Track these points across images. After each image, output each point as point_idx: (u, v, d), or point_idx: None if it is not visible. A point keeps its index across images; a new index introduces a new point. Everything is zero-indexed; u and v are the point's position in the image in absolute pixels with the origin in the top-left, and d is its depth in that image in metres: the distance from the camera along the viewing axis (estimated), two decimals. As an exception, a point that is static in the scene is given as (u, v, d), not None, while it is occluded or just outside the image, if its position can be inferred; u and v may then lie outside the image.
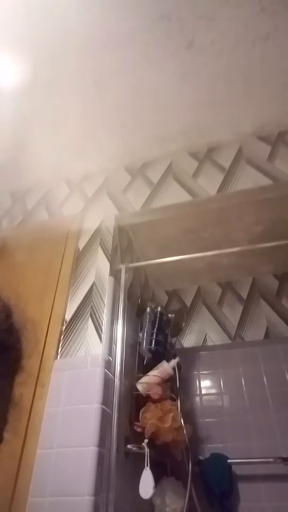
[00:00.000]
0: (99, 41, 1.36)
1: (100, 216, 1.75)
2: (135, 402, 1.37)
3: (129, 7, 1.25)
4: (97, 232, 1.68)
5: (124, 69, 1.45)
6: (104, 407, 1.11)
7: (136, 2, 1.24)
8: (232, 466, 1.45)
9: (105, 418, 1.09)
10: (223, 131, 1.75)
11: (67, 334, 1.34)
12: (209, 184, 1.67)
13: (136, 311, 1.68)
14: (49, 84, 1.51)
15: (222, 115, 1.66)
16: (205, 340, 2.00)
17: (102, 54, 1.40)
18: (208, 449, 1.55)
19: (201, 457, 1.50)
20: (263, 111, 1.65)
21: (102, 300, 1.40)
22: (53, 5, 1.24)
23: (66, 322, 1.38)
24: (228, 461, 1.45)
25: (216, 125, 1.72)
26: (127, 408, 1.29)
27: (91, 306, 1.39)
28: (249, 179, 1.61)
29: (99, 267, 1.52)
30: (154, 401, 1.35)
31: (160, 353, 1.53)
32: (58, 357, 1.27)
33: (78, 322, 1.36)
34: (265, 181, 1.57)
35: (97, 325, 1.32)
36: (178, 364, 1.52)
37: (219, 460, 1.47)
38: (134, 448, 1.18)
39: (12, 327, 0.50)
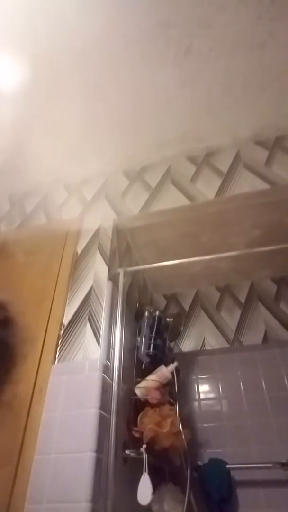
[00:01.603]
0: (98, 45, 1.37)
1: (98, 220, 1.75)
2: (133, 407, 1.37)
3: (127, 12, 1.27)
4: (95, 236, 1.68)
5: (123, 74, 1.46)
6: (102, 412, 1.10)
7: (135, 8, 1.25)
8: (231, 472, 1.44)
9: (103, 423, 1.09)
10: (221, 135, 1.76)
11: (65, 338, 1.33)
12: (207, 188, 1.68)
13: (134, 315, 1.68)
14: (48, 88, 1.52)
15: (220, 120, 1.68)
16: (203, 344, 2.00)
17: (101, 58, 1.41)
18: (207, 454, 1.54)
19: (199, 463, 1.50)
20: (261, 116, 1.66)
21: (100, 304, 1.40)
22: (53, 9, 1.25)
23: (64, 326, 1.37)
24: (227, 466, 1.45)
25: (214, 130, 1.74)
26: (125, 413, 1.28)
27: (89, 310, 1.39)
28: (247, 184, 1.62)
29: (97, 271, 1.52)
30: (153, 406, 1.34)
31: (159, 358, 1.53)
32: (56, 362, 1.26)
33: (76, 326, 1.35)
34: (262, 185, 1.58)
35: (95, 329, 1.32)
36: (177, 369, 1.52)
37: (218, 465, 1.46)
38: (132, 454, 1.17)
39: (6, 320, 0.50)
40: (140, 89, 1.52)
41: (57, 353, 1.29)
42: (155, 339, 1.55)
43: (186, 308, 2.22)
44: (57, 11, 1.26)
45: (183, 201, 1.68)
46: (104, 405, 1.12)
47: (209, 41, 1.35)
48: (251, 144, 1.76)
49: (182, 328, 1.95)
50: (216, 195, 1.64)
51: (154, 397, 1.35)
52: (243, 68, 1.45)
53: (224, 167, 1.74)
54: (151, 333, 1.57)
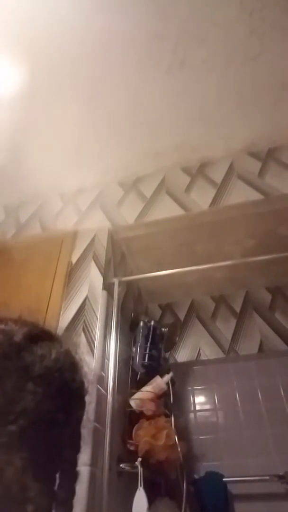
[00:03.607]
0: (95, 56, 1.39)
1: (93, 230, 1.75)
2: (128, 419, 1.34)
3: (124, 25, 1.29)
4: (90, 246, 1.68)
5: (118, 85, 1.49)
6: (96, 424, 1.08)
7: (130, 20, 1.28)
8: (228, 485, 1.42)
9: (97, 436, 1.07)
10: (215, 147, 1.79)
11: (59, 349, 1.31)
12: (201, 198, 1.70)
13: (129, 325, 1.67)
14: (44, 99, 1.54)
15: (214, 131, 1.70)
16: (199, 354, 1.99)
17: (98, 69, 1.43)
18: (203, 467, 1.52)
19: (196, 476, 1.47)
20: (254, 128, 1.70)
21: (95, 314, 1.39)
22: (51, 17, 1.27)
23: (58, 337, 1.35)
24: (224, 479, 1.42)
25: (208, 141, 1.76)
26: (120, 425, 1.26)
27: (84, 321, 1.37)
28: (241, 194, 1.64)
29: (92, 280, 1.51)
30: (148, 418, 1.33)
31: (154, 368, 1.51)
32: (50, 373, 1.24)
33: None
34: (256, 195, 1.60)
35: (90, 339, 1.31)
36: (172, 379, 1.50)
37: (214, 479, 1.43)
38: (127, 468, 1.15)
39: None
40: (135, 100, 1.55)
41: (51, 364, 1.27)
42: (150, 350, 1.54)
43: (181, 318, 2.21)
44: (54, 22, 1.29)
45: (178, 211, 1.69)
46: (98, 417, 1.10)
47: (203, 54, 1.39)
48: (244, 155, 1.79)
49: (177, 338, 1.94)
50: (210, 205, 1.65)
51: (150, 408, 1.33)
52: (236, 80, 1.48)
53: (218, 177, 1.76)
54: (146, 344, 1.56)
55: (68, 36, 1.32)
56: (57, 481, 0.43)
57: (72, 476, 0.46)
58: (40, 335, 0.47)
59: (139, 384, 1.46)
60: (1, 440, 0.36)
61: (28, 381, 0.40)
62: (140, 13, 1.25)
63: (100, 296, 1.44)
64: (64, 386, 0.45)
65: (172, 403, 1.46)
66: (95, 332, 1.32)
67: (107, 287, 1.51)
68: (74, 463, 0.47)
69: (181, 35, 1.32)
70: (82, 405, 0.51)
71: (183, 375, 1.84)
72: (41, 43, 1.33)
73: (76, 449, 0.49)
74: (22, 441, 0.37)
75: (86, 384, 0.50)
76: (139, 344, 1.56)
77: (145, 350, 1.53)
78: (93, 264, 1.58)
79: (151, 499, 1.19)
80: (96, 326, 1.34)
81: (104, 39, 1.33)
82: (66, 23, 1.28)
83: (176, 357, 2.02)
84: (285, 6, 1.25)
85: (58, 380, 0.44)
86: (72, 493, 0.45)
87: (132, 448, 1.23)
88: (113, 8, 1.24)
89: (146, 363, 1.50)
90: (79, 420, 0.49)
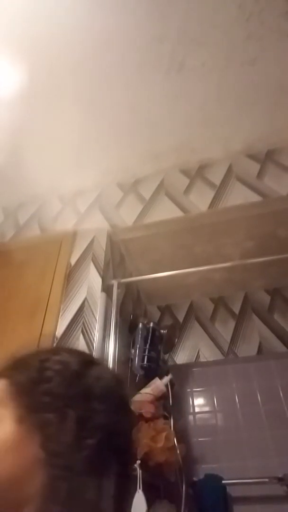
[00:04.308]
0: (94, 58, 1.39)
1: (92, 231, 1.75)
2: (127, 421, 1.34)
3: (122, 27, 1.30)
4: (89, 247, 1.68)
5: (118, 86, 1.49)
6: (95, 426, 1.07)
7: (129, 22, 1.29)
8: (227, 487, 1.41)
9: (96, 438, 1.06)
10: (214, 149, 1.79)
11: (57, 351, 1.31)
12: (200, 200, 1.70)
13: (128, 327, 1.67)
14: (44, 101, 1.54)
15: (213, 133, 1.71)
16: (198, 356, 1.99)
17: (97, 71, 1.43)
18: (202, 470, 1.51)
19: (195, 478, 1.46)
20: (252, 130, 1.70)
21: (94, 316, 1.38)
22: (51, 19, 1.28)
23: (57, 339, 1.35)
24: (223, 482, 1.42)
25: (207, 143, 1.77)
26: (119, 428, 1.25)
27: (83, 322, 1.37)
28: (240, 196, 1.64)
29: (91, 282, 1.51)
30: (147, 420, 1.32)
31: (153, 370, 1.51)
32: (48, 375, 1.24)
33: (69, 339, 1.34)
34: (254, 197, 1.60)
35: (89, 341, 1.30)
36: (171, 381, 1.50)
37: (213, 481, 1.43)
38: (126, 470, 1.14)
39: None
40: (135, 101, 1.55)
41: (50, 366, 1.27)
42: (149, 351, 1.53)
43: (180, 319, 2.21)
44: (54, 23, 1.29)
45: (177, 213, 1.69)
46: (97, 419, 1.10)
47: (202, 57, 1.39)
48: (243, 157, 1.80)
49: (176, 340, 1.94)
50: (209, 207, 1.65)
51: (148, 410, 1.33)
52: (235, 83, 1.48)
53: (217, 179, 1.76)
54: (145, 345, 1.55)
55: (68, 38, 1.32)
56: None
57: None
58: (90, 360, 0.54)
59: (138, 386, 1.46)
60: (83, 453, 0.40)
61: (92, 401, 0.45)
62: (140, 15, 1.26)
63: (99, 298, 1.44)
64: (120, 400, 0.52)
65: (171, 405, 1.46)
66: (94, 334, 1.32)
67: (106, 288, 1.51)
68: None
69: (180, 38, 1.33)
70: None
71: (182, 377, 1.84)
72: (41, 44, 1.34)
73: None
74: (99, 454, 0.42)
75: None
76: (138, 346, 1.55)
77: (144, 352, 1.53)
78: (92, 266, 1.58)
79: (150, 501, 1.18)
80: (95, 328, 1.34)
81: (103, 41, 1.34)
82: (66, 25, 1.29)
83: (175, 359, 2.02)
84: (283, 10, 1.25)
85: (116, 397, 0.50)
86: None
87: (131, 450, 1.22)
88: (113, 10, 1.25)
89: (145, 365, 1.50)
90: None
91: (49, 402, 0.43)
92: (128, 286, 1.87)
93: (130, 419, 0.57)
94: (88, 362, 0.51)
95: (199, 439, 1.64)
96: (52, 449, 0.40)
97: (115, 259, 1.78)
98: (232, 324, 2.07)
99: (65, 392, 0.44)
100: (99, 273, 1.54)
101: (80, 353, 0.55)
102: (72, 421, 0.41)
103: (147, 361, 1.50)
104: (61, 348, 0.53)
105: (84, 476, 0.40)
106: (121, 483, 0.45)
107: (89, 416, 0.43)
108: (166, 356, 1.87)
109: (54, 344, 1.33)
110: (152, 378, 1.46)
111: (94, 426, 0.43)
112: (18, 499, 0.38)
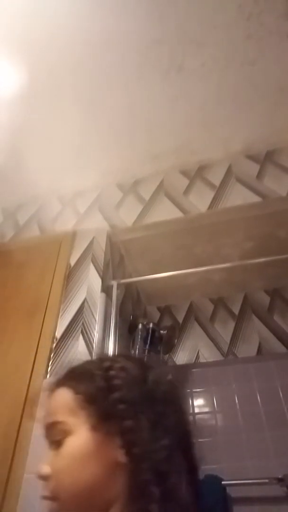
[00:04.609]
0: (94, 59, 1.39)
1: (92, 232, 1.75)
2: (127, 422, 1.33)
3: (122, 28, 1.30)
4: (89, 248, 1.68)
5: (118, 87, 1.49)
6: (94, 427, 1.07)
7: (129, 24, 1.29)
8: (227, 488, 1.41)
9: (95, 439, 1.06)
10: (213, 149, 1.79)
11: (57, 352, 1.31)
12: (200, 201, 1.70)
13: (128, 328, 1.66)
14: (44, 101, 1.54)
15: (213, 134, 1.71)
16: (197, 357, 1.98)
17: (97, 72, 1.43)
18: (202, 471, 1.50)
19: (194, 479, 1.46)
20: (252, 131, 1.70)
21: (94, 316, 1.38)
22: (51, 20, 1.28)
23: (56, 340, 1.35)
24: (223, 482, 1.41)
25: (207, 144, 1.77)
26: (118, 429, 1.25)
27: (82, 323, 1.37)
28: (239, 196, 1.64)
29: (90, 283, 1.51)
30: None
31: (152, 371, 1.51)
32: (48, 376, 1.24)
33: (68, 340, 1.33)
34: (254, 198, 1.60)
35: (88, 342, 1.30)
36: (171, 382, 1.50)
37: (213, 482, 1.42)
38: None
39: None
40: (134, 102, 1.55)
41: (49, 367, 1.27)
42: (149, 352, 1.53)
43: (180, 320, 2.20)
44: (54, 24, 1.29)
45: (176, 214, 1.69)
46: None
47: (202, 58, 1.39)
48: (242, 158, 1.80)
49: (176, 340, 1.94)
50: (209, 207, 1.65)
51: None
52: (234, 84, 1.49)
53: (217, 180, 1.76)
54: (145, 346, 1.55)
55: (68, 38, 1.33)
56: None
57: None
58: (144, 364, 0.57)
59: (137, 387, 1.45)
60: (162, 454, 0.44)
61: (157, 405, 0.48)
62: (139, 16, 1.26)
63: (98, 299, 1.44)
64: (178, 402, 0.56)
65: (170, 406, 1.45)
66: (94, 334, 1.32)
67: (106, 289, 1.51)
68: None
69: (180, 38, 1.33)
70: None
71: (182, 378, 1.83)
72: (41, 44, 1.34)
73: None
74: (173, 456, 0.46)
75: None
76: (137, 347, 1.55)
77: (144, 353, 1.53)
78: (91, 266, 1.57)
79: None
80: (95, 329, 1.34)
81: (103, 41, 1.34)
82: (65, 26, 1.29)
83: (174, 359, 2.01)
84: (282, 11, 1.26)
85: (174, 399, 0.54)
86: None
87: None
88: (113, 11, 1.25)
89: (144, 366, 1.49)
90: None
91: (125, 409, 0.45)
92: (127, 286, 1.87)
93: (188, 419, 0.61)
94: (143, 365, 0.55)
95: (199, 440, 1.63)
96: (134, 453, 0.43)
97: (115, 259, 1.78)
98: (231, 324, 2.07)
99: (135, 398, 0.47)
100: (99, 274, 1.53)
101: (132, 357, 0.57)
102: (146, 425, 0.45)
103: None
104: (116, 355, 0.57)
105: (166, 476, 0.43)
106: (192, 480, 0.48)
107: (158, 419, 0.46)
108: (166, 357, 1.86)
109: (54, 345, 1.33)
110: (152, 379, 1.46)
111: (164, 428, 0.46)
112: (104, 500, 0.42)
